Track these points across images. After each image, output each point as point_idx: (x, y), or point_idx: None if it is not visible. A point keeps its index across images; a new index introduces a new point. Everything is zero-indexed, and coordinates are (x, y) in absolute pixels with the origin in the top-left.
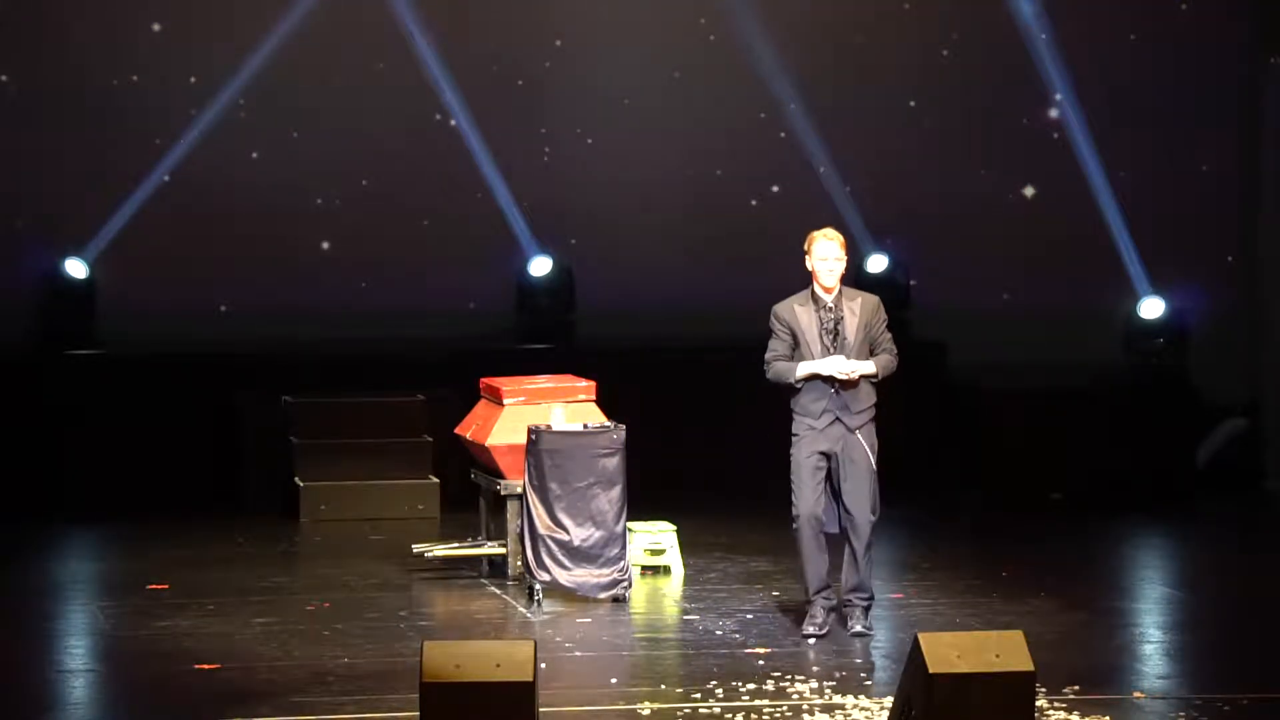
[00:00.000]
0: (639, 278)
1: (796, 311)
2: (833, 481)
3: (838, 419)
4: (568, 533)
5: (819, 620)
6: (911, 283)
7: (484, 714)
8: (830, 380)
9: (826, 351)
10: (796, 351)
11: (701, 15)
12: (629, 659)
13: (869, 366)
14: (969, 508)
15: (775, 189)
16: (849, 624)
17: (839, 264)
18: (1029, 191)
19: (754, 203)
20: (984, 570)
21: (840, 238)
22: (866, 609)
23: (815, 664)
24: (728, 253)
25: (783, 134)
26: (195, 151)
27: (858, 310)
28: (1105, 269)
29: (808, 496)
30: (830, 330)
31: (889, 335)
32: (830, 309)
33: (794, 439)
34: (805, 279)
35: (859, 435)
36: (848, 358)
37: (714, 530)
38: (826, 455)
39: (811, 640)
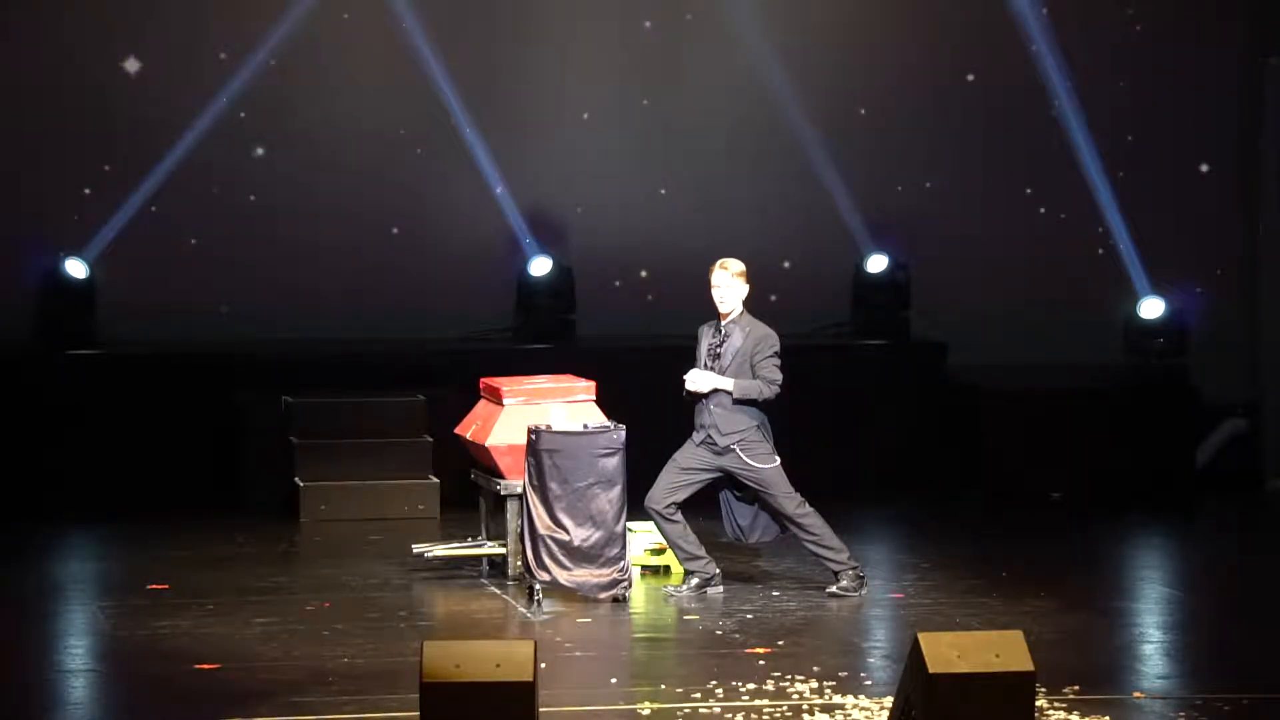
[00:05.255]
0: (639, 278)
1: (704, 332)
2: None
3: (709, 435)
4: (568, 533)
5: (682, 587)
6: (911, 291)
7: (484, 714)
8: (695, 395)
9: (704, 370)
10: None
11: (703, 16)
12: (629, 659)
13: (724, 383)
14: (969, 508)
15: (776, 189)
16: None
17: (725, 290)
18: (1028, 190)
19: (755, 203)
20: (984, 570)
21: (733, 267)
22: (835, 572)
23: (815, 664)
24: (728, 252)
25: (783, 135)
26: (195, 151)
27: (744, 338)
28: (1105, 269)
29: (659, 484)
30: (714, 354)
31: (770, 365)
32: (721, 332)
33: None
34: (794, 279)
35: (737, 451)
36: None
37: (714, 530)
38: (715, 470)
39: (668, 600)
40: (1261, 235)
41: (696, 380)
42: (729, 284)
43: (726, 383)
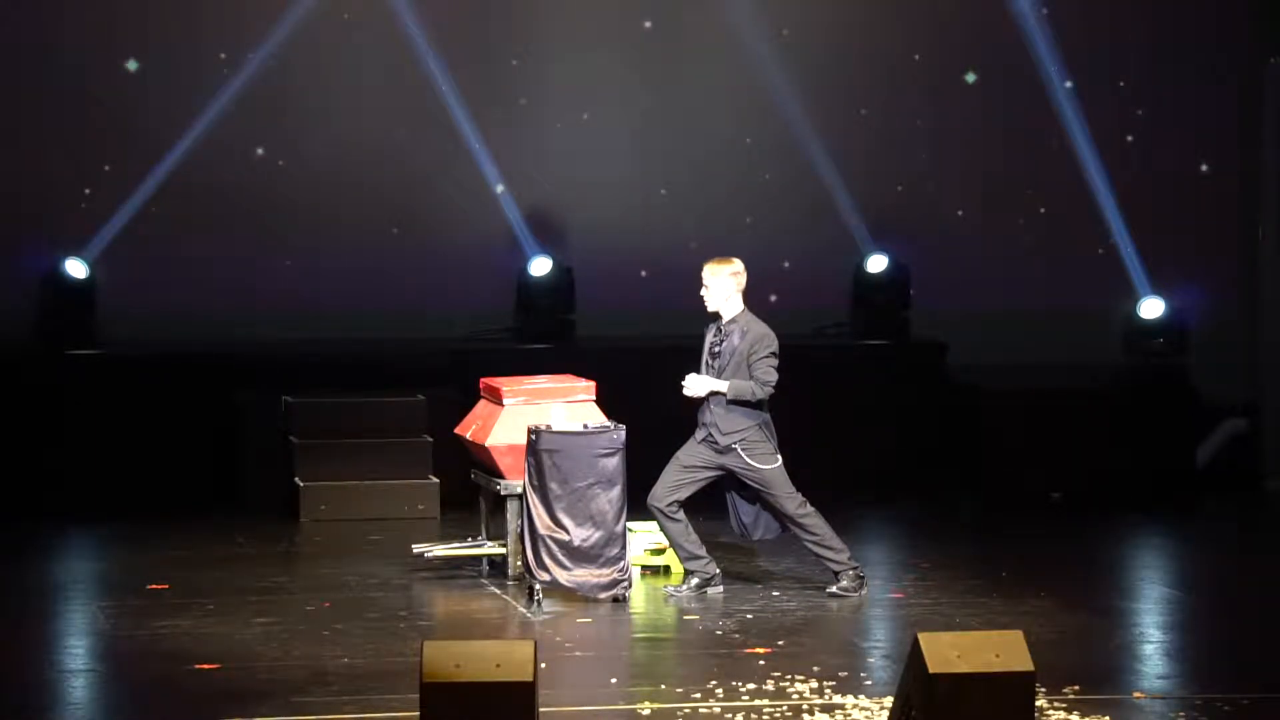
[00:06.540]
0: (639, 278)
1: (708, 330)
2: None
3: (710, 434)
4: (568, 533)
5: (682, 587)
6: (911, 291)
7: (484, 714)
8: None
9: (705, 368)
10: None
11: (703, 16)
12: (629, 659)
13: (719, 385)
14: (969, 508)
15: (776, 189)
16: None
17: (707, 291)
18: (1028, 190)
19: (755, 203)
20: (984, 570)
21: (718, 264)
22: (835, 573)
23: (815, 664)
24: (728, 252)
25: (783, 135)
26: (195, 151)
27: (742, 338)
28: (1105, 269)
29: (661, 482)
30: (713, 353)
31: (764, 365)
32: (719, 332)
33: None
34: (794, 279)
35: (739, 451)
36: (717, 378)
37: (714, 530)
38: (717, 469)
39: (668, 600)
40: (1262, 235)
41: (693, 386)
42: (710, 281)
43: (721, 385)
